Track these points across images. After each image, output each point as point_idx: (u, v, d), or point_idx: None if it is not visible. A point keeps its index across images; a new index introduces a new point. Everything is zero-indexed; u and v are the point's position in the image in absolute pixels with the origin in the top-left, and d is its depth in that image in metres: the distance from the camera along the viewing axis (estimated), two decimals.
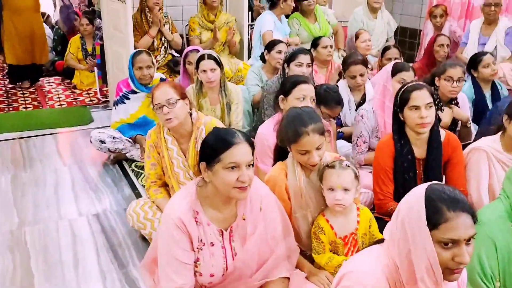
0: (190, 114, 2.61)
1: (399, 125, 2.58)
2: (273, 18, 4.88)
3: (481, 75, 3.76)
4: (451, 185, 2.63)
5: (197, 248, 1.87)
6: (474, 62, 3.78)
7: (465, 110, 3.52)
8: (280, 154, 2.31)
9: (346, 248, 2.13)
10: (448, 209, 1.34)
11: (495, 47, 4.54)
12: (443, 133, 2.60)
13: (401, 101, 2.50)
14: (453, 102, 3.47)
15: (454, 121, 3.43)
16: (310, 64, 3.60)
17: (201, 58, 3.44)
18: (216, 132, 1.85)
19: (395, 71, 3.13)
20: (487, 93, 3.86)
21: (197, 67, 3.48)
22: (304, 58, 3.54)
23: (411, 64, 4.14)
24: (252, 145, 1.84)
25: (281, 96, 2.76)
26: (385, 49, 4.18)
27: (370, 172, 3.17)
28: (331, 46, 4.35)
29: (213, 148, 1.79)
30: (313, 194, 2.20)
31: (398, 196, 2.55)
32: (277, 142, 2.29)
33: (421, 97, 2.43)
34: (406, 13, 6.19)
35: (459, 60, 4.42)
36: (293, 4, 5.05)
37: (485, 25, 4.63)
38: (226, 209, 1.90)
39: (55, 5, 7.90)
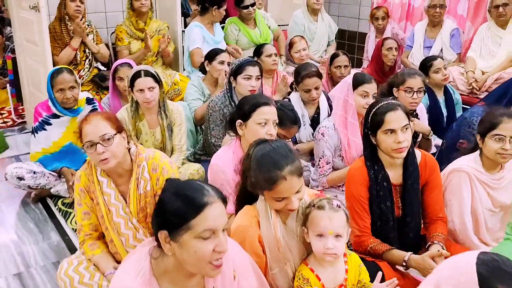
0: (129, 149, 2.16)
1: (371, 149, 2.30)
2: (201, 31, 4.44)
3: (432, 80, 3.61)
4: (430, 211, 2.43)
5: None
6: (424, 67, 3.63)
7: (424, 121, 3.33)
8: (245, 194, 1.93)
9: None
10: None
11: (441, 49, 4.43)
12: (418, 153, 2.36)
13: (373, 124, 2.23)
14: (413, 114, 3.28)
15: (414, 134, 3.23)
16: (260, 77, 3.24)
17: (137, 75, 2.97)
18: (177, 189, 1.41)
19: (356, 83, 2.85)
20: (441, 98, 3.74)
21: (131, 86, 3.01)
22: (253, 70, 3.19)
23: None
24: (224, 200, 1.45)
25: (239, 120, 2.37)
26: (334, 56, 3.92)
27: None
28: (275, 54, 4.03)
29: (178, 213, 1.36)
30: (292, 243, 1.85)
31: (375, 229, 2.28)
32: (243, 184, 1.91)
33: (397, 119, 2.17)
34: (344, 14, 6.02)
35: (414, 68, 4.27)
36: (224, 13, 4.67)
37: (430, 27, 4.52)
38: (190, 283, 1.49)
39: None
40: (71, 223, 3.00)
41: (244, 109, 2.38)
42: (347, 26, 5.96)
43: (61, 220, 3.05)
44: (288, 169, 1.71)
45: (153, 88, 2.98)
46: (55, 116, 3.23)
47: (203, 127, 3.69)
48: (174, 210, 1.36)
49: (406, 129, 2.19)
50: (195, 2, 5.45)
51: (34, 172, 3.18)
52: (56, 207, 3.21)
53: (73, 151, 3.30)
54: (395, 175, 2.30)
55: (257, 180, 1.76)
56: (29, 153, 3.42)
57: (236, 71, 3.20)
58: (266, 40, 4.78)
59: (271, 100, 2.43)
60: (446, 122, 3.68)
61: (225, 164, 2.36)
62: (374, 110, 2.24)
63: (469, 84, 4.10)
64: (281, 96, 3.89)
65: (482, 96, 4.05)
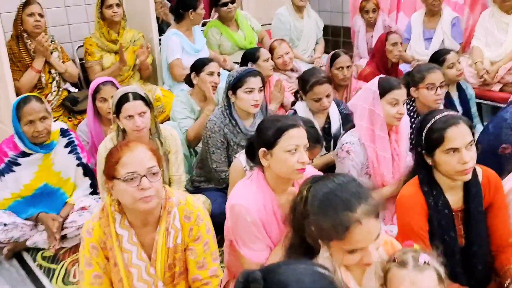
0: None
1: (426, 171, 1.92)
2: (179, 39, 3.96)
3: (446, 76, 3.25)
4: (497, 237, 2.07)
5: None
6: (437, 62, 3.28)
7: None
8: (299, 247, 1.53)
9: None
10: None
11: (442, 40, 4.11)
12: (479, 170, 1.99)
13: (431, 141, 1.87)
14: None
15: None
16: (262, 88, 2.82)
17: (124, 99, 2.49)
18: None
19: (383, 90, 2.46)
20: (455, 95, 3.42)
21: (117, 112, 2.52)
22: (255, 82, 2.77)
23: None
24: None
25: (263, 149, 1.93)
26: (334, 56, 3.53)
27: None
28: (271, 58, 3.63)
29: None
30: None
31: None
32: (295, 234, 1.50)
33: (460, 135, 1.82)
34: (325, 9, 5.65)
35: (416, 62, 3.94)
36: (204, 12, 4.21)
37: (428, 17, 4.19)
38: None
39: None
40: (56, 282, 2.49)
41: (268, 134, 1.93)
42: (329, 21, 5.58)
43: (44, 280, 2.53)
44: (363, 209, 1.34)
45: (144, 113, 2.51)
46: (25, 155, 2.71)
47: (198, 150, 3.25)
48: None
49: (471, 145, 1.82)
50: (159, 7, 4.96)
51: (5, 224, 2.66)
52: (36, 262, 2.69)
53: (49, 194, 2.80)
54: (455, 198, 1.95)
55: (320, 228, 1.38)
56: None
57: (235, 85, 2.77)
58: (252, 43, 4.37)
59: (298, 121, 2.00)
60: None
61: (250, 203, 1.91)
62: (429, 125, 1.86)
63: (480, 76, 3.78)
64: (277, 103, 3.50)
65: (495, 88, 3.77)
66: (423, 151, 1.89)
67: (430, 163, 1.89)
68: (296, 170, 1.89)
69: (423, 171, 1.93)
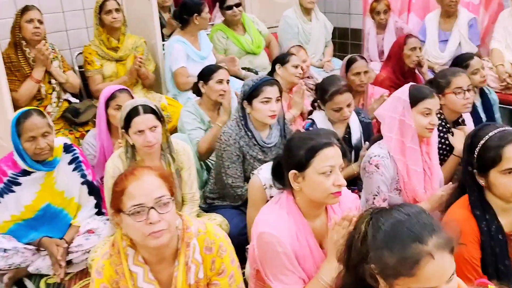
0: None
1: (479, 193, 1.74)
2: (184, 47, 3.75)
3: None
4: None
5: None
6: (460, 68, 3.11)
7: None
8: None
9: None
10: None
11: (459, 43, 3.94)
12: None
13: (484, 160, 1.71)
14: (459, 122, 2.80)
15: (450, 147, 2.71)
16: (280, 98, 2.63)
17: (133, 113, 2.30)
18: None
19: (415, 100, 2.29)
20: (478, 101, 3.25)
21: (126, 127, 2.32)
22: (272, 91, 2.59)
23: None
24: None
25: (293, 171, 1.74)
26: (350, 61, 3.35)
27: None
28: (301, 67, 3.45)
29: None
30: None
31: None
32: (351, 272, 1.34)
33: None
34: (331, 11, 5.45)
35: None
36: (209, 16, 4.01)
37: (444, 18, 4.01)
38: None
39: None
40: None
41: (299, 155, 1.74)
42: (336, 23, 5.37)
43: None
44: (435, 242, 1.19)
45: (155, 127, 2.31)
46: (25, 173, 2.49)
47: (210, 164, 3.06)
48: None
49: None
50: (167, 10, 4.77)
51: (5, 250, 2.43)
52: None
53: (52, 215, 2.58)
54: (507, 221, 1.80)
55: (385, 264, 1.21)
56: None
57: (250, 94, 2.59)
58: (259, 47, 4.19)
59: (333, 138, 1.81)
60: None
61: (282, 232, 1.73)
62: (483, 142, 1.69)
63: (501, 80, 3.62)
64: (298, 110, 3.31)
65: None
66: (475, 171, 1.72)
67: (483, 183, 1.72)
68: (331, 194, 1.72)
69: (476, 193, 1.76)
